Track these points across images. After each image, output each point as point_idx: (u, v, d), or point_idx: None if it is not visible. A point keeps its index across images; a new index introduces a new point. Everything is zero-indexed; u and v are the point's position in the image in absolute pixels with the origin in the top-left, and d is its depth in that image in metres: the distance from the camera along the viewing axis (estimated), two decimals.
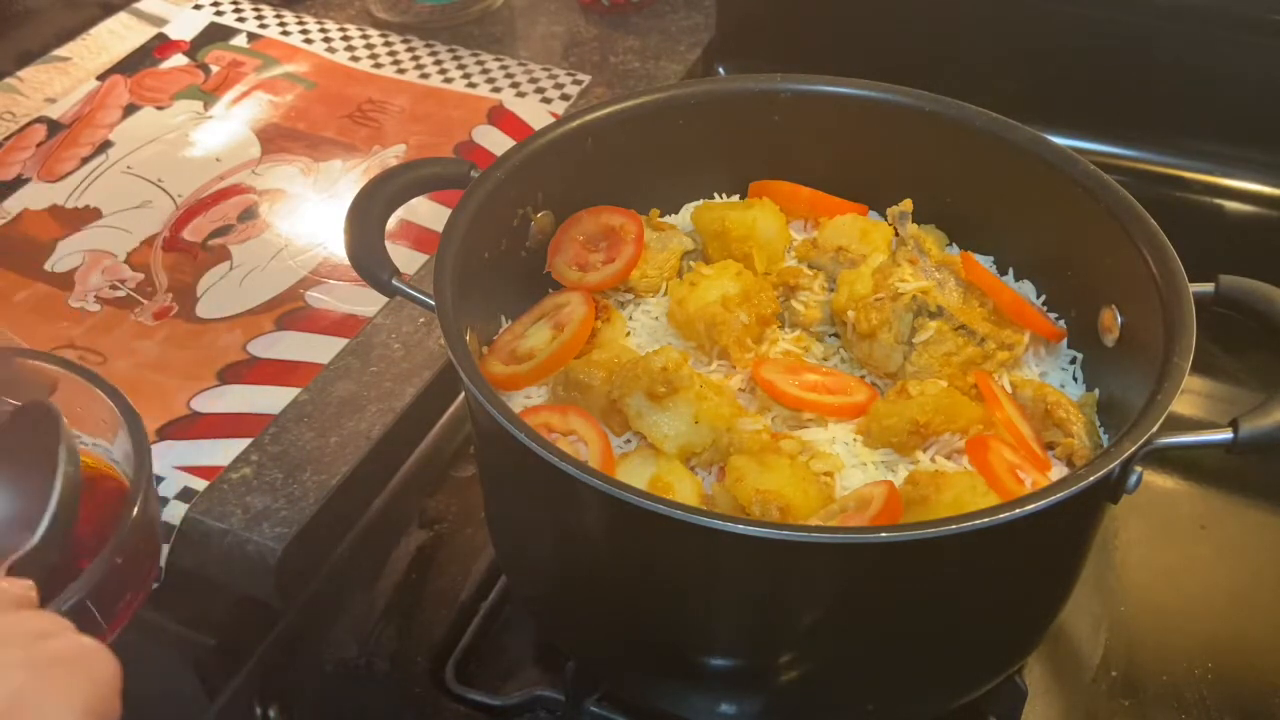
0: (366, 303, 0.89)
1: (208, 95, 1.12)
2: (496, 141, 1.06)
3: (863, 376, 0.71)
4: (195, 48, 1.18)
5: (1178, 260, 0.64)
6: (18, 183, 1.01)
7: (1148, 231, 0.66)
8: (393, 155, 1.05)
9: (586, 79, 1.13)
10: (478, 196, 0.69)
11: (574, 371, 0.68)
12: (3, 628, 0.41)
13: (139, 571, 0.60)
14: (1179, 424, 0.56)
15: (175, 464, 0.77)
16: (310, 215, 0.99)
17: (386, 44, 1.19)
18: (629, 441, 0.67)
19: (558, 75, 1.14)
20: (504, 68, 1.15)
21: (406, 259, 0.94)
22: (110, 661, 0.42)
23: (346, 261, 0.69)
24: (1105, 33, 1.02)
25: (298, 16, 1.23)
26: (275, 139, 1.07)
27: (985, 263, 0.76)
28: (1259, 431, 0.57)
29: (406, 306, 0.89)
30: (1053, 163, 0.71)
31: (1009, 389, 0.69)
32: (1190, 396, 0.86)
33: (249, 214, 0.98)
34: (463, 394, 0.86)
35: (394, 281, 0.66)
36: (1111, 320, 0.69)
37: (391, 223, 0.71)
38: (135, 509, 0.56)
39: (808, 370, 0.70)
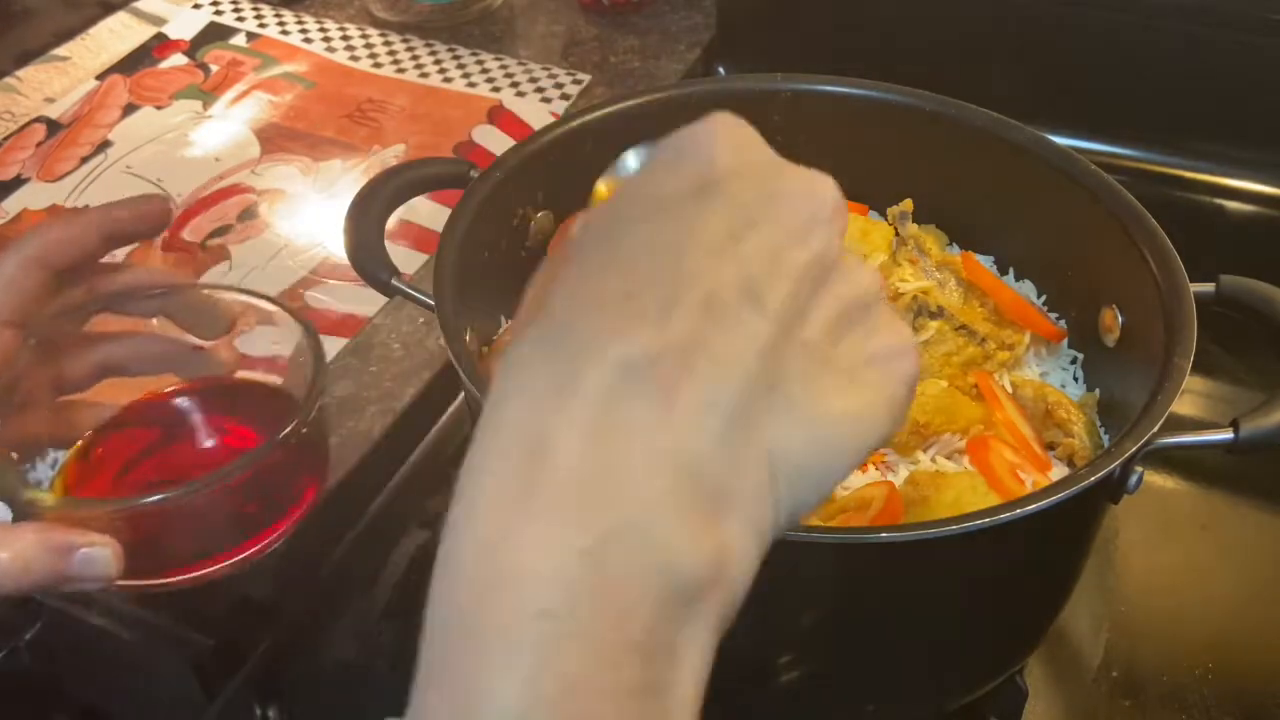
0: (366, 303, 0.89)
1: (207, 95, 1.12)
2: (496, 141, 1.06)
3: None
4: (194, 47, 1.18)
5: (1178, 260, 0.64)
6: (17, 182, 1.01)
7: (1148, 231, 0.66)
8: (392, 155, 1.05)
9: (586, 79, 1.13)
10: (478, 196, 0.69)
11: None
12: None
13: (314, 464, 0.62)
14: (1179, 424, 0.56)
15: None
16: (310, 215, 0.99)
17: (386, 43, 1.19)
18: None
19: (558, 75, 1.14)
20: (504, 67, 1.15)
21: (406, 259, 0.94)
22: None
23: (346, 261, 0.69)
24: (1105, 33, 1.02)
25: (297, 16, 1.23)
26: (275, 139, 1.07)
27: (985, 263, 0.76)
28: (1259, 431, 0.57)
29: (406, 306, 0.89)
30: (1053, 163, 0.71)
31: (1009, 389, 0.69)
32: (1190, 396, 0.86)
33: (248, 214, 0.98)
34: (463, 394, 0.86)
35: (394, 281, 0.66)
36: (1112, 320, 0.69)
37: (391, 223, 0.71)
38: (314, 404, 0.58)
39: None
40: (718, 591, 0.31)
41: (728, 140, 0.35)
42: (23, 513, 0.54)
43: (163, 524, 0.56)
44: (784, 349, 0.32)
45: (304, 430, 0.57)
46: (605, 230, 0.34)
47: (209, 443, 0.64)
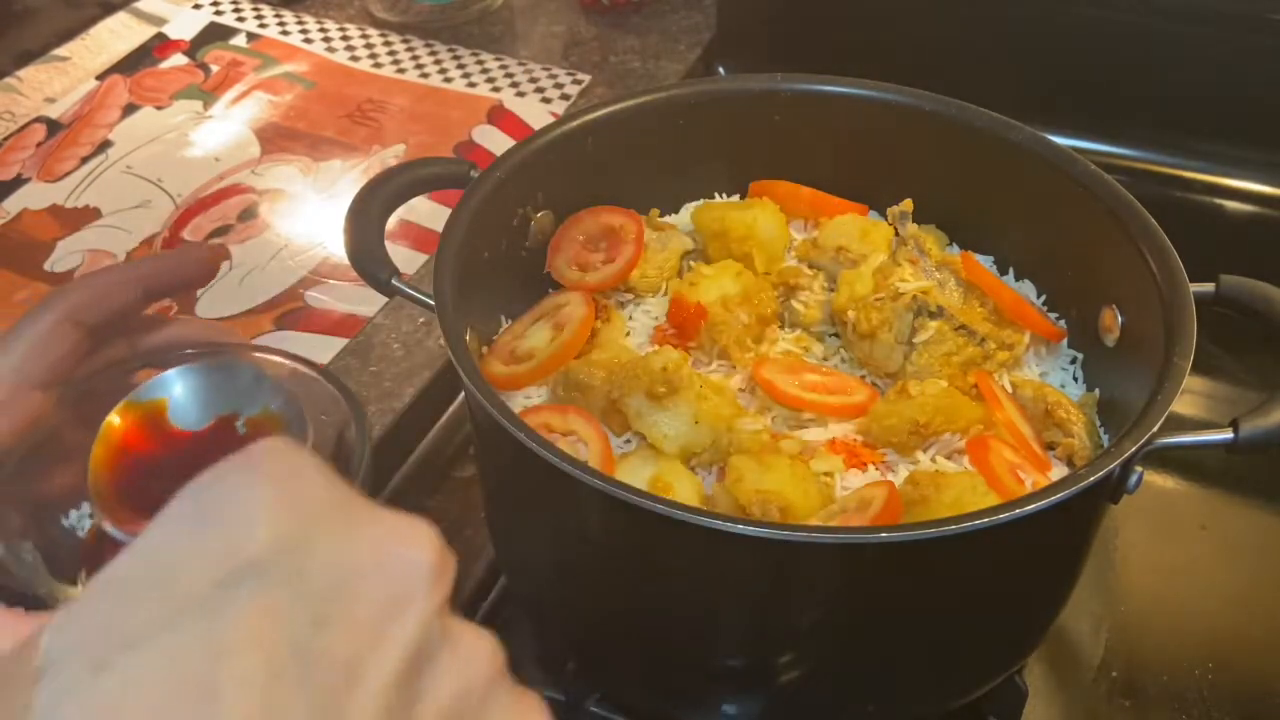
0: (366, 303, 0.89)
1: (207, 95, 1.12)
2: (496, 141, 1.06)
3: (863, 376, 0.71)
4: (195, 47, 1.18)
5: (1178, 260, 0.64)
6: (17, 182, 1.01)
7: (1148, 231, 0.66)
8: (392, 155, 1.05)
9: (586, 79, 1.13)
10: (477, 196, 0.69)
11: (574, 371, 0.68)
12: None
13: None
14: (1179, 424, 0.56)
15: None
16: (310, 215, 0.99)
17: (386, 44, 1.19)
18: (629, 441, 0.67)
19: (558, 75, 1.14)
20: (504, 67, 1.15)
21: (406, 259, 0.94)
22: None
23: (346, 261, 0.69)
24: (1105, 33, 1.02)
25: (297, 16, 1.23)
26: (275, 139, 1.07)
27: (985, 263, 0.76)
28: (1259, 431, 0.57)
29: (406, 306, 0.89)
30: (1053, 163, 0.71)
31: (1009, 389, 0.69)
32: (1190, 396, 0.86)
33: (248, 214, 0.98)
34: (463, 394, 0.86)
35: (394, 281, 0.66)
36: (1112, 320, 0.69)
37: (391, 223, 0.71)
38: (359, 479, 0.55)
39: (808, 370, 0.70)
40: None
41: (274, 487, 0.26)
42: (40, 604, 0.51)
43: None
44: None
45: None
46: (102, 644, 0.24)
47: None
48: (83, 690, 0.23)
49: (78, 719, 0.23)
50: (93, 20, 1.20)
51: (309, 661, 0.24)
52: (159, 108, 1.10)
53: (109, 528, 0.52)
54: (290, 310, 0.89)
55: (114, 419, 0.54)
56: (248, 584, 0.24)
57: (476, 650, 0.29)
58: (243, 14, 1.23)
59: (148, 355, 0.58)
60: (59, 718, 0.23)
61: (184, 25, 1.21)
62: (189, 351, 0.58)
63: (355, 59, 1.17)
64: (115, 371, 0.57)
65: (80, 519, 0.57)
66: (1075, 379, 0.73)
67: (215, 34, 1.20)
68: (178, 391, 0.56)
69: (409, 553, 0.28)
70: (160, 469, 0.56)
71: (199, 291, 0.90)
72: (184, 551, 0.25)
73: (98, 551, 0.52)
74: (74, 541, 0.54)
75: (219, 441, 0.57)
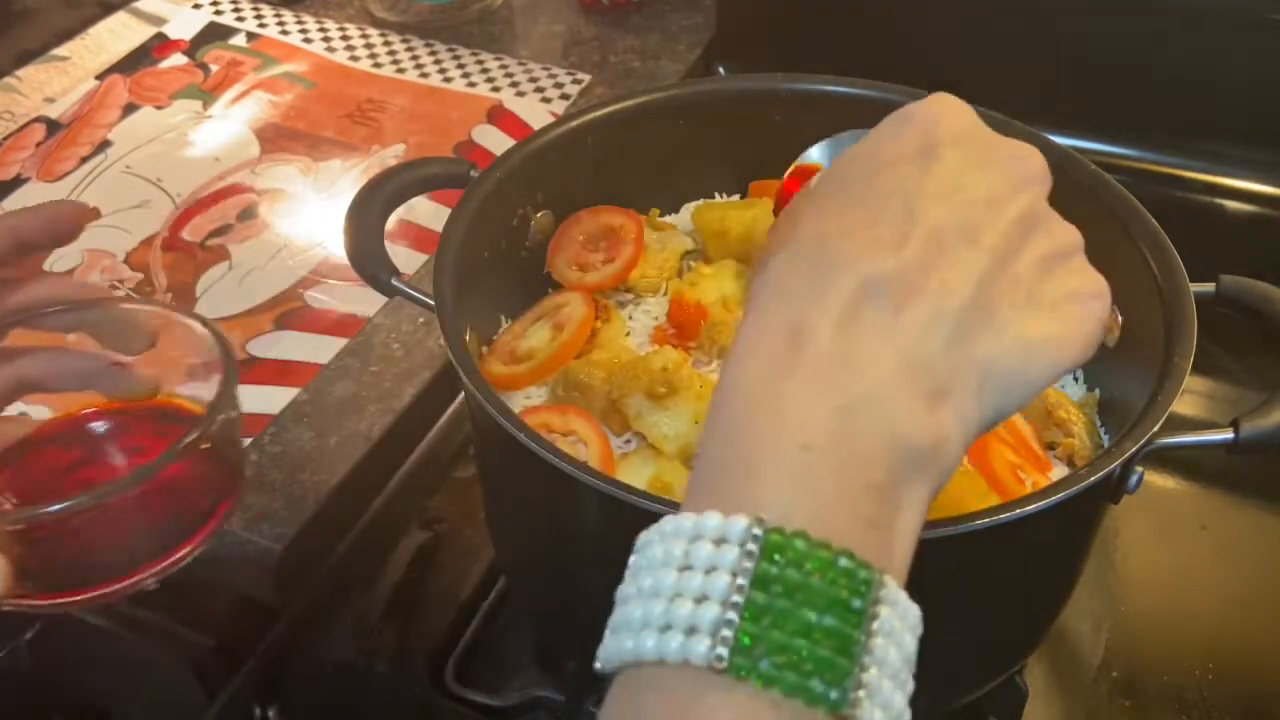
0: (366, 303, 0.89)
1: (207, 95, 1.12)
2: (496, 141, 1.06)
3: None
4: (194, 47, 1.18)
5: (1178, 260, 0.64)
6: (17, 182, 1.01)
7: (1148, 231, 0.66)
8: (392, 155, 1.05)
9: (586, 79, 1.13)
10: (477, 196, 0.69)
11: (574, 371, 0.68)
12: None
13: (223, 480, 0.59)
14: (1179, 424, 0.56)
15: None
16: (310, 215, 0.99)
17: (386, 44, 1.19)
18: (629, 441, 0.67)
19: (558, 75, 1.14)
20: (504, 67, 1.15)
21: (406, 259, 0.94)
22: None
23: (346, 261, 0.69)
24: (1105, 33, 1.02)
25: (297, 16, 1.23)
26: (274, 138, 1.07)
27: None
28: (1260, 431, 0.57)
29: (406, 306, 0.89)
30: (1053, 162, 0.71)
31: None
32: (1190, 396, 0.86)
33: (248, 214, 0.98)
34: (463, 394, 0.86)
35: (394, 281, 0.66)
36: (1112, 320, 0.69)
37: (391, 223, 0.71)
38: (215, 418, 0.55)
39: None
40: (934, 464, 0.37)
41: (948, 114, 0.42)
42: None
43: (57, 540, 0.52)
44: (997, 279, 0.39)
45: (204, 445, 0.54)
46: (841, 180, 0.41)
47: (129, 462, 0.60)
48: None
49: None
50: (92, 20, 1.20)
51: (962, 201, 0.40)
52: (158, 107, 1.10)
53: None
54: (290, 310, 0.89)
55: None
56: (933, 155, 0.41)
57: (1065, 229, 0.43)
58: (242, 14, 1.23)
59: (18, 314, 0.57)
60: None
61: (184, 25, 1.21)
62: (58, 309, 0.58)
63: (355, 59, 1.17)
64: None
65: None
66: (1075, 379, 0.73)
67: (215, 34, 1.20)
68: None
69: (1031, 156, 0.43)
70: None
71: (198, 291, 0.90)
72: (892, 139, 0.42)
73: None
74: None
75: None
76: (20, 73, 1.13)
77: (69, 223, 0.60)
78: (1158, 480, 0.83)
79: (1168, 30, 0.99)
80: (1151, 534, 0.80)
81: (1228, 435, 0.58)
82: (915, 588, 0.58)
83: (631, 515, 0.53)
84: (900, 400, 0.37)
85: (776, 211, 0.74)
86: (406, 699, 0.71)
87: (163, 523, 0.56)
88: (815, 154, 0.71)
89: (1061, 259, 0.41)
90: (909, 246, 0.38)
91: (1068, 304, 0.41)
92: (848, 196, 0.40)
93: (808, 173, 0.71)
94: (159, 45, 1.18)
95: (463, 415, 0.87)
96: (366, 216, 0.68)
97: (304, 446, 0.79)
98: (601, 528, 0.60)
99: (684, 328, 0.72)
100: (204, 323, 0.58)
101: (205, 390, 0.59)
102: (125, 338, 0.59)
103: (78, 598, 0.55)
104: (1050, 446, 0.67)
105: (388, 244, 0.68)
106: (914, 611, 0.38)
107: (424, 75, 1.15)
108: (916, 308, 0.38)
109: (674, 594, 0.34)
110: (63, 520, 0.50)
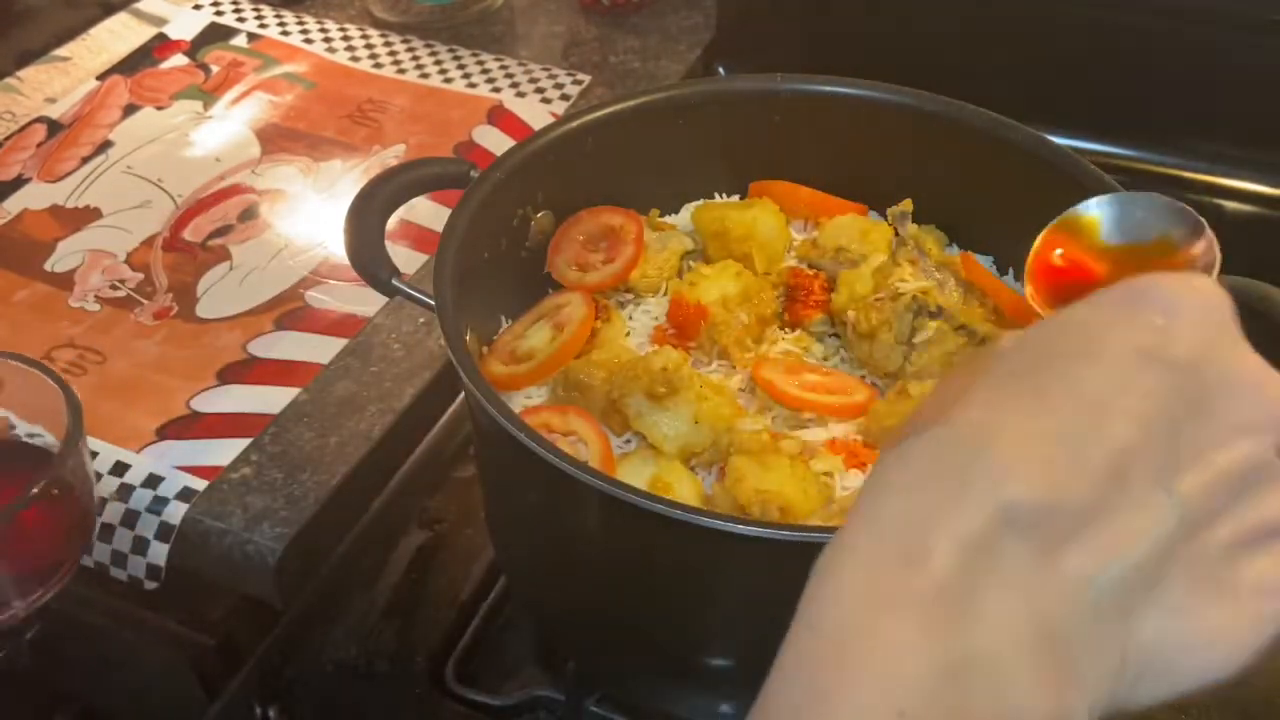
0: (366, 303, 0.89)
1: (207, 95, 1.12)
2: (496, 141, 1.06)
3: (863, 377, 0.71)
4: (195, 48, 1.18)
5: None
6: (18, 182, 1.01)
7: None
8: (392, 155, 1.05)
9: (586, 79, 1.13)
10: (478, 196, 0.69)
11: (574, 371, 0.68)
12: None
13: (66, 539, 0.60)
14: None
15: (175, 464, 0.77)
16: (310, 215, 0.99)
17: (386, 44, 1.19)
18: (629, 441, 0.67)
19: (558, 75, 1.14)
20: (504, 68, 1.15)
21: (406, 259, 0.94)
22: None
23: (346, 261, 0.69)
24: (1106, 33, 1.02)
25: (298, 16, 1.23)
26: (275, 139, 1.07)
27: (985, 263, 0.76)
28: None
29: (406, 306, 0.89)
30: (1053, 163, 0.71)
31: None
32: None
33: (249, 214, 0.98)
34: (463, 394, 0.86)
35: (394, 281, 0.66)
36: None
37: (391, 223, 0.71)
38: (57, 468, 0.56)
39: (808, 370, 0.70)
40: None
41: (1196, 314, 0.33)
42: None
43: None
44: (1181, 548, 0.31)
45: (54, 492, 0.54)
46: (1033, 356, 0.33)
47: None
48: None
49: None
50: (93, 20, 1.20)
51: (1169, 435, 0.31)
52: (159, 108, 1.10)
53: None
54: (290, 310, 0.89)
55: None
56: (1156, 364, 0.32)
57: None
58: (243, 14, 1.23)
59: None
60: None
61: (184, 25, 1.21)
62: None
63: (355, 59, 1.17)
64: None
65: None
66: None
67: (215, 34, 1.20)
68: None
69: (1272, 393, 0.33)
70: None
71: (199, 292, 0.90)
72: (1116, 319, 0.33)
73: None
74: None
75: None
76: (21, 73, 1.13)
77: None
78: None
79: (1168, 30, 0.99)
80: None
81: None
82: None
83: (631, 515, 0.53)
84: (1025, 673, 0.30)
85: (1019, 275, 0.66)
86: (406, 699, 0.71)
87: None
88: (1093, 208, 0.54)
89: (1267, 538, 0.32)
90: (1080, 478, 0.30)
91: (1254, 597, 0.32)
92: (1030, 381, 0.32)
93: (1075, 230, 0.55)
94: (160, 46, 1.18)
95: (463, 415, 0.87)
96: (367, 216, 0.68)
97: (304, 446, 0.79)
98: (601, 528, 0.60)
99: (684, 328, 0.72)
100: (40, 368, 0.61)
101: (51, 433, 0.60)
102: None
103: None
104: None
105: (388, 244, 0.68)
106: None
107: (424, 76, 1.15)
108: (1071, 558, 0.30)
109: None
110: None
